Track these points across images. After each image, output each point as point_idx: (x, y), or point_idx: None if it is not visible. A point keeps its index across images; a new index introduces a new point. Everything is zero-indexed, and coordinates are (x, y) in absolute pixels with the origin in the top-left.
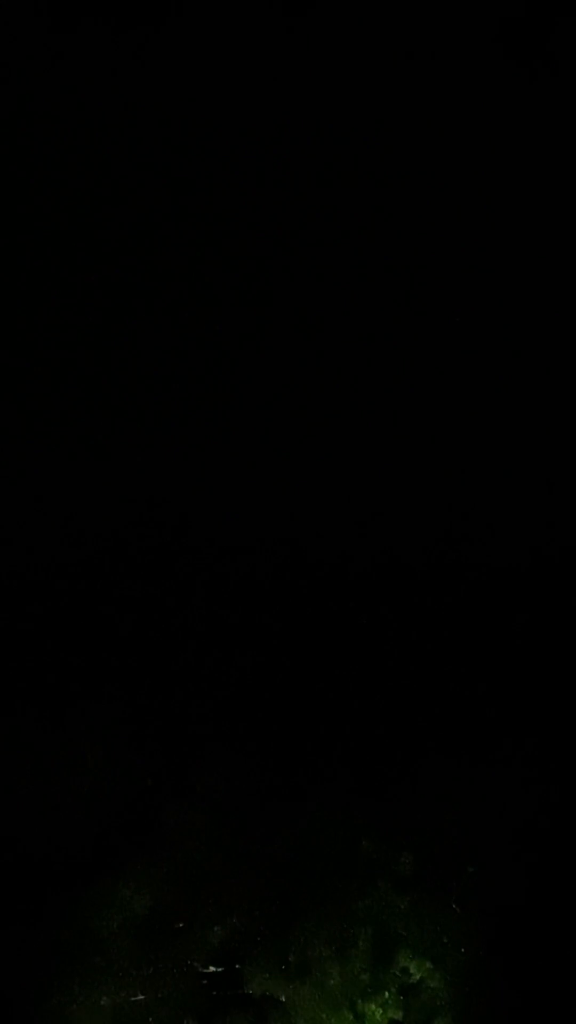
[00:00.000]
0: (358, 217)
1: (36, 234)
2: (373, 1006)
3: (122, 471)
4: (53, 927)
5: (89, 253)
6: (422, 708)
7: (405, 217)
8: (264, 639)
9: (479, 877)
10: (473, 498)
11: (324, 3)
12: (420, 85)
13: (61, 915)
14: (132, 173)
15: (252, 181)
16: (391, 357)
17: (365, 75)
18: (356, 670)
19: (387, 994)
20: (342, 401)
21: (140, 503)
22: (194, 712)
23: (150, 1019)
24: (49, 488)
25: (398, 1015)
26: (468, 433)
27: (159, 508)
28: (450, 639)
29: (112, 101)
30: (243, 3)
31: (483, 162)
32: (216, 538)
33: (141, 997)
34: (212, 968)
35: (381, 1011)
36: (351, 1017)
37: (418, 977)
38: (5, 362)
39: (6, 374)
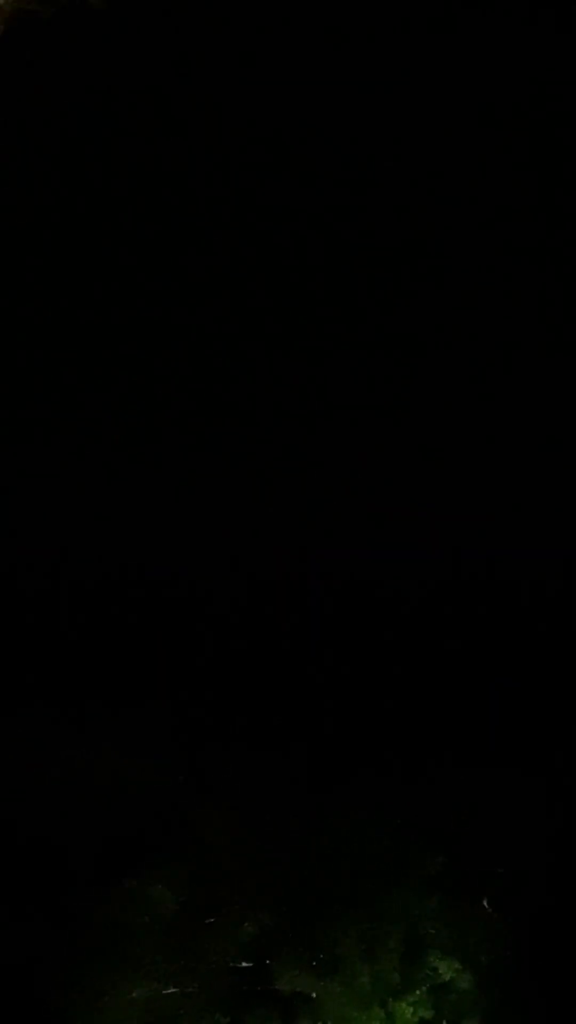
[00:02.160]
0: (360, 229)
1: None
2: (403, 1005)
3: (154, 479)
4: (84, 923)
5: (85, 274)
6: (453, 707)
7: (405, 224)
8: (292, 639)
9: (511, 877)
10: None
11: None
12: (421, 85)
13: (92, 911)
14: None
15: (251, 194)
16: (393, 365)
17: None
18: (387, 668)
19: (417, 993)
20: (342, 409)
21: (163, 512)
22: (224, 710)
23: (180, 1012)
24: (78, 499)
25: (428, 1014)
26: (473, 450)
27: (182, 516)
28: (486, 637)
29: (112, 100)
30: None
31: (484, 163)
32: (238, 544)
33: (172, 991)
34: (242, 963)
35: (411, 1010)
36: (382, 1015)
37: (448, 977)
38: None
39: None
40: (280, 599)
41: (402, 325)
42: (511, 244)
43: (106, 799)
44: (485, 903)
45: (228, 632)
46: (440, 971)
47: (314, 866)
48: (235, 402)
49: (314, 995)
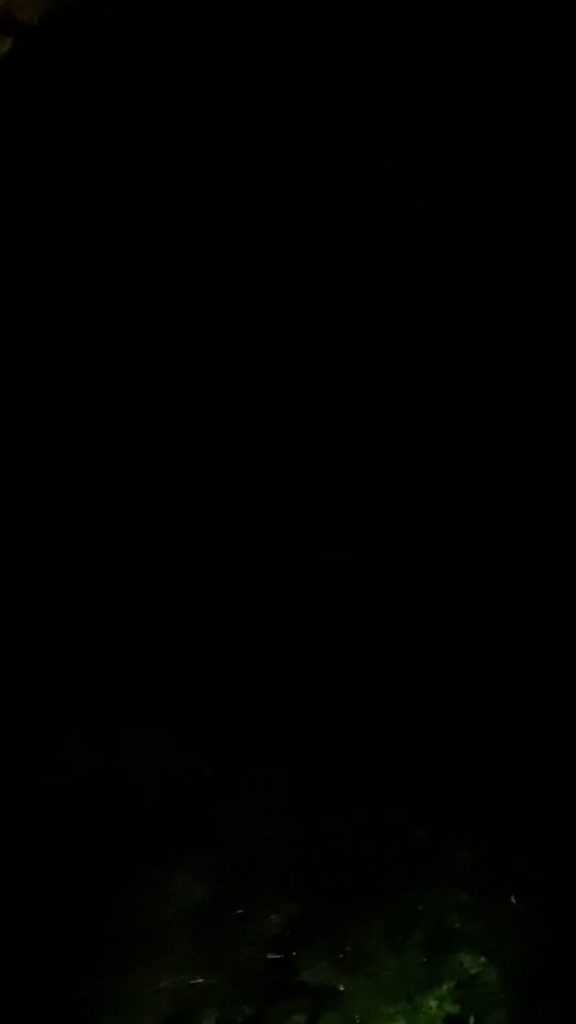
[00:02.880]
0: (359, 229)
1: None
2: (430, 999)
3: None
4: (110, 913)
5: (83, 278)
6: (482, 700)
7: (405, 224)
8: (323, 631)
9: (538, 872)
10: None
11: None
12: (420, 86)
13: (117, 901)
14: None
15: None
16: (392, 366)
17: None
18: (415, 661)
19: (444, 987)
20: (341, 406)
21: (185, 503)
22: (251, 700)
23: (206, 1003)
24: (109, 494)
25: (454, 1009)
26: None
27: (205, 508)
28: (516, 629)
29: (111, 101)
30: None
31: (484, 163)
32: (263, 535)
33: (199, 981)
34: (269, 955)
35: (437, 1004)
36: (408, 1010)
37: (474, 971)
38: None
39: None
40: (308, 588)
41: (402, 325)
42: (511, 244)
43: (132, 790)
44: (512, 898)
45: (256, 625)
46: (466, 966)
47: (341, 859)
48: (235, 402)
49: (341, 988)
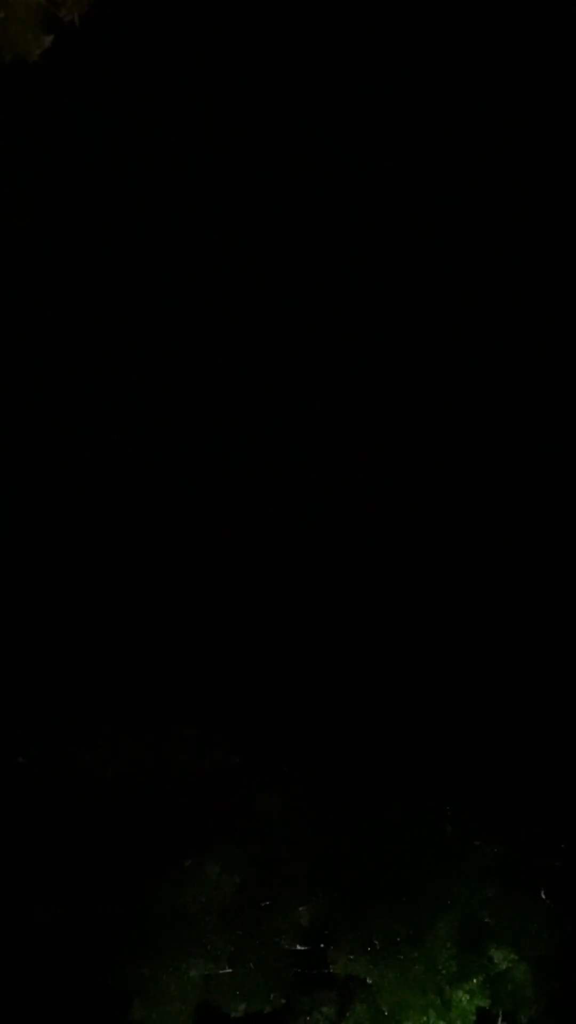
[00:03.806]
0: (359, 233)
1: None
2: (460, 993)
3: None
4: (143, 903)
5: (88, 275)
6: (511, 697)
7: (406, 224)
8: (352, 629)
9: (569, 868)
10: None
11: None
12: (421, 87)
13: (150, 891)
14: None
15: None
16: (393, 365)
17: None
18: (446, 658)
19: (474, 981)
20: (340, 407)
21: (225, 511)
22: (283, 697)
23: (236, 992)
24: (147, 501)
25: (485, 1003)
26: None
27: (246, 517)
28: (541, 626)
29: (112, 103)
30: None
31: (484, 165)
32: (296, 539)
33: (228, 970)
34: (297, 946)
35: (468, 998)
36: (438, 1002)
37: (504, 966)
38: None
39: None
40: (339, 596)
41: (402, 325)
42: (511, 244)
43: (163, 784)
44: (543, 894)
45: (288, 624)
46: (497, 960)
47: (370, 852)
48: (235, 402)
49: (369, 980)
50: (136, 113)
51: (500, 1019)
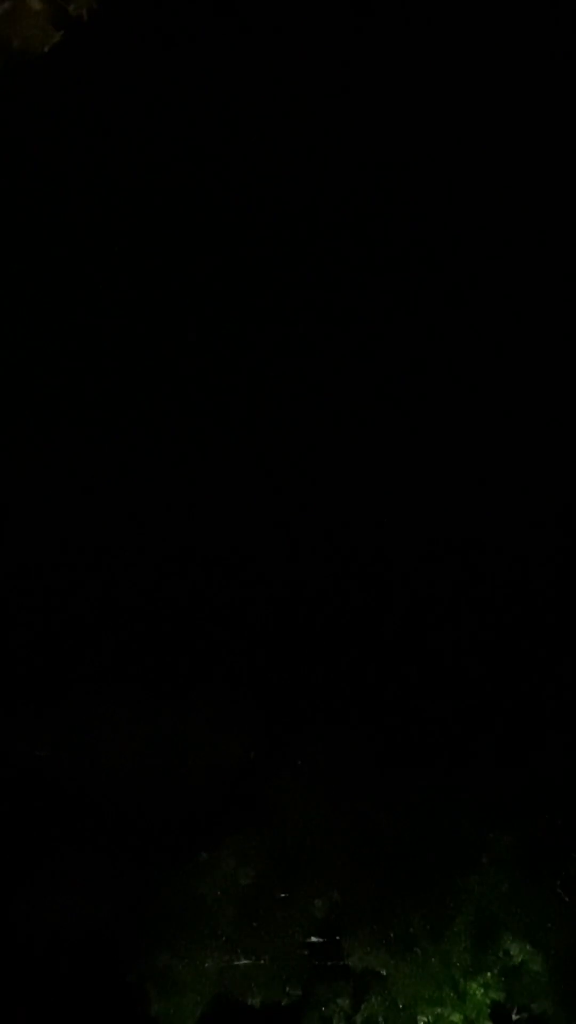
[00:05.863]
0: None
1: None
2: (475, 986)
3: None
4: (159, 894)
5: (90, 276)
6: (528, 692)
7: (405, 224)
8: (371, 622)
9: None
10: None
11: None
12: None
13: (168, 882)
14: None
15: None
16: (392, 368)
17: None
18: (463, 653)
19: (489, 975)
20: (342, 409)
21: (242, 514)
22: (300, 690)
23: (252, 984)
24: (169, 503)
25: (500, 996)
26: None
27: (269, 515)
28: (564, 624)
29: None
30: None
31: (484, 165)
32: (323, 538)
33: (244, 962)
34: (313, 939)
35: (482, 991)
36: (452, 995)
37: (519, 959)
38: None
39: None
40: (359, 591)
41: (402, 326)
42: (511, 244)
43: (182, 774)
44: (558, 886)
45: (309, 615)
46: (512, 953)
47: (385, 845)
48: (235, 401)
49: (385, 973)
50: (144, 110)
51: (515, 1012)
